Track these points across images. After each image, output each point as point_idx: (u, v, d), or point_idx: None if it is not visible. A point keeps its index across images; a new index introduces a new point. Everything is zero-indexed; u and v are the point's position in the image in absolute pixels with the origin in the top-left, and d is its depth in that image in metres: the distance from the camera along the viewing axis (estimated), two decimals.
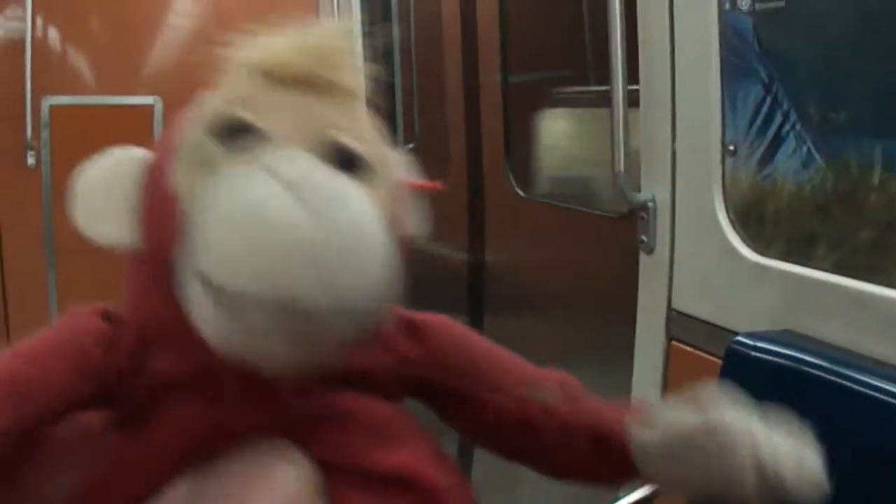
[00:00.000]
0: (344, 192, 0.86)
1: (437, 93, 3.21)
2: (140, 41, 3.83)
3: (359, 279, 0.83)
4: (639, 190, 1.84)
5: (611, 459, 1.04)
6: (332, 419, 0.96)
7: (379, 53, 3.68)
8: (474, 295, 3.03)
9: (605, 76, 1.86)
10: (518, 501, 2.81)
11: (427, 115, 3.50)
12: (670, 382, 1.82)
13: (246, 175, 0.85)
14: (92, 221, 0.97)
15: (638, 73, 1.83)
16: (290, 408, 0.94)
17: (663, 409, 1.03)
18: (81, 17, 3.77)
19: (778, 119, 1.54)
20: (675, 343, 1.80)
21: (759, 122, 1.58)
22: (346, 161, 0.91)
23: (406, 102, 3.68)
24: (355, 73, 0.97)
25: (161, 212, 0.90)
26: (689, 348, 1.76)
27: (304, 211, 0.81)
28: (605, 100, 1.86)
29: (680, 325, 1.77)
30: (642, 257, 1.87)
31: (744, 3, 1.59)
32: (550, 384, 1.08)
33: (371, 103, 1.01)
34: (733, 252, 1.61)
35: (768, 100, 1.56)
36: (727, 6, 1.62)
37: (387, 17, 3.75)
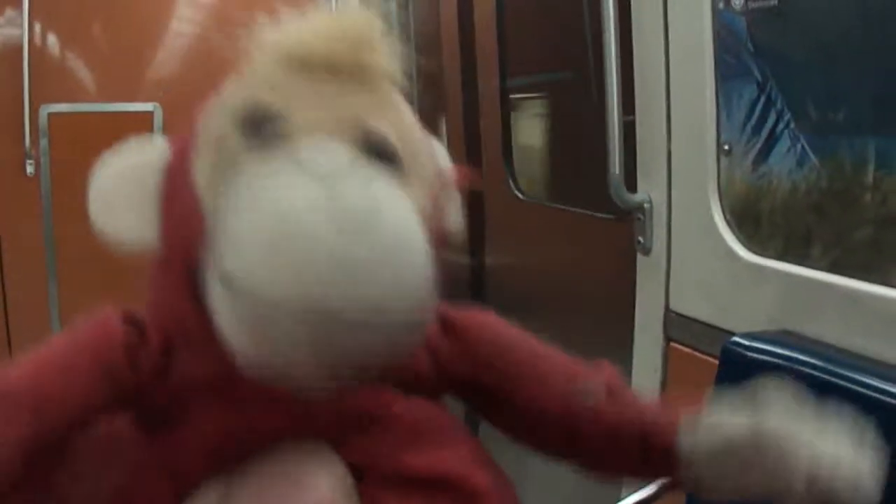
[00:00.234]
0: (381, 194, 0.80)
1: (437, 97, 3.21)
2: (139, 47, 3.81)
3: (399, 291, 0.78)
4: (635, 191, 1.84)
5: (654, 459, 1.01)
6: (365, 421, 0.93)
7: None
8: (475, 296, 3.03)
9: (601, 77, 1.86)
10: (526, 499, 2.81)
11: (426, 118, 3.50)
12: (669, 383, 1.82)
13: (277, 174, 0.80)
14: (110, 218, 0.92)
15: (633, 73, 1.83)
16: (321, 410, 0.90)
17: (714, 411, 1.00)
18: (79, 24, 3.75)
19: (772, 118, 1.54)
20: (673, 344, 1.79)
21: (753, 121, 1.58)
22: (382, 152, 0.87)
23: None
24: (388, 57, 0.91)
25: (183, 210, 0.87)
26: (687, 349, 1.75)
27: (342, 217, 0.76)
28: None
29: (677, 326, 1.77)
30: (639, 258, 1.86)
31: (737, 3, 1.59)
32: (594, 383, 1.04)
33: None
34: (729, 252, 1.61)
35: (762, 99, 1.56)
36: (721, 5, 1.62)
37: (386, 20, 3.75)
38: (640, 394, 1.07)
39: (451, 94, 3.07)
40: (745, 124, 1.59)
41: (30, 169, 3.64)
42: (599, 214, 2.19)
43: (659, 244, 1.80)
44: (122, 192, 0.92)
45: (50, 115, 3.67)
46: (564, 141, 2.59)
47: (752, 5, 1.57)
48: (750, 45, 1.58)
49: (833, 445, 0.94)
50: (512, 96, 2.76)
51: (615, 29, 1.78)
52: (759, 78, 1.56)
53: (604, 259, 2.27)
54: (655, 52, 1.74)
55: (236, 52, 0.91)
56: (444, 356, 0.99)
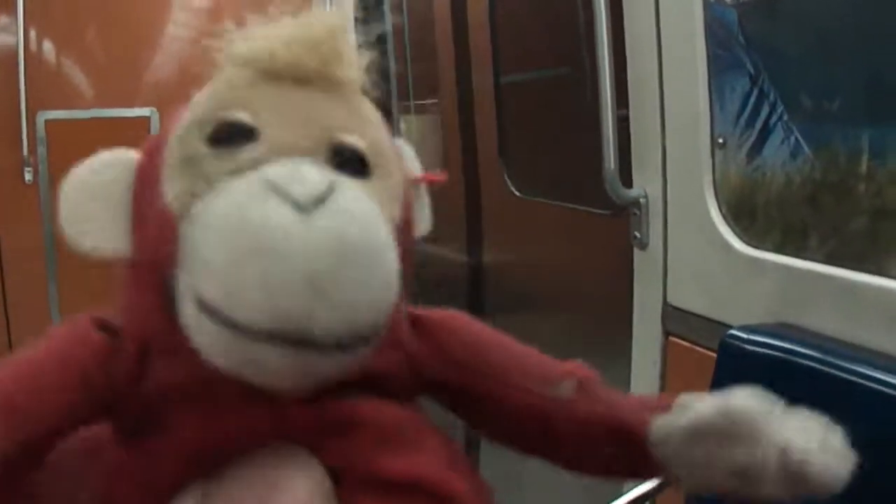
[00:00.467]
0: (355, 213, 0.79)
1: (433, 93, 3.21)
2: (134, 52, 3.80)
3: (374, 304, 0.78)
4: (630, 186, 1.84)
5: (631, 452, 0.98)
6: (341, 424, 0.91)
7: (373, 48, 3.69)
8: (472, 293, 3.03)
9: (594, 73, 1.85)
10: (526, 499, 2.82)
11: (423, 116, 3.50)
12: (668, 377, 1.82)
13: (247, 192, 0.79)
14: (79, 227, 0.91)
15: (626, 68, 1.83)
16: (297, 414, 0.89)
17: (684, 399, 0.99)
18: (74, 30, 3.75)
19: (765, 110, 1.54)
20: (671, 338, 1.79)
21: (746, 114, 1.58)
22: (351, 161, 0.86)
23: (401, 104, 3.68)
24: (353, 64, 0.90)
25: (154, 224, 0.85)
26: (685, 343, 1.75)
27: (315, 235, 0.76)
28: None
29: (676, 320, 1.77)
30: (636, 253, 1.86)
31: None
32: (568, 378, 1.03)
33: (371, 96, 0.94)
34: (726, 245, 1.61)
35: (755, 91, 1.56)
36: None
37: (380, 20, 3.75)
38: (614, 390, 1.06)
39: (446, 91, 3.08)
40: (738, 117, 1.59)
41: (28, 176, 3.64)
42: (595, 210, 2.19)
43: (655, 239, 1.80)
44: (93, 198, 0.92)
45: (47, 122, 3.67)
46: (560, 137, 2.58)
47: None
48: (741, 38, 1.58)
49: (803, 423, 0.94)
50: (507, 93, 2.76)
51: (607, 24, 1.78)
52: (752, 70, 1.56)
53: (601, 254, 2.27)
54: (648, 47, 1.74)
55: (206, 62, 0.91)
56: (417, 357, 0.98)
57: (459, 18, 2.97)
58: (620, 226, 1.93)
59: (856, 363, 1.28)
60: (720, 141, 1.62)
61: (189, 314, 0.79)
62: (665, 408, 0.98)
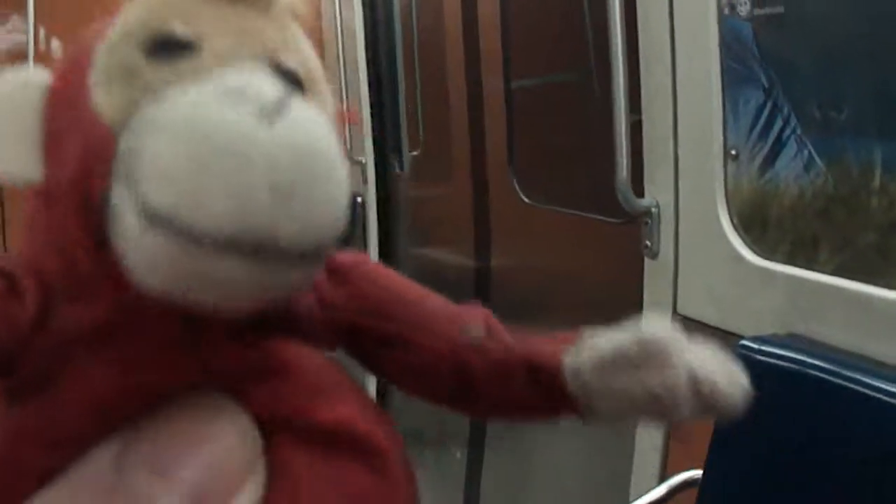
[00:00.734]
0: (313, 119, 0.79)
1: (442, 100, 3.22)
2: None
3: (334, 215, 0.76)
4: (642, 195, 1.85)
5: (547, 390, 0.97)
6: (265, 370, 0.87)
7: (382, 61, 3.73)
8: (481, 299, 3.03)
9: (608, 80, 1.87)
10: (531, 501, 2.82)
11: (431, 122, 3.51)
12: None
13: (203, 96, 0.72)
14: None
15: (639, 77, 1.84)
16: (218, 359, 0.87)
17: (595, 333, 1.00)
18: (84, 28, 3.76)
19: (779, 123, 1.55)
20: None
21: (760, 126, 1.59)
22: (291, 82, 0.86)
23: (410, 110, 3.70)
24: None
25: (78, 139, 0.78)
26: None
27: (279, 142, 0.74)
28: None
29: (685, 329, 1.77)
30: (647, 262, 1.88)
31: (743, 9, 1.60)
32: (475, 321, 1.01)
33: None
34: (737, 256, 1.62)
35: (769, 104, 1.57)
36: (727, 11, 1.63)
37: (390, 26, 3.77)
38: (518, 332, 1.07)
39: (455, 96, 3.09)
40: (751, 129, 1.60)
41: None
42: (605, 218, 2.20)
43: (666, 248, 1.81)
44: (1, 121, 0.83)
45: None
46: (570, 144, 2.60)
47: (758, 12, 1.59)
48: (756, 51, 1.59)
49: (703, 348, 0.97)
50: (517, 98, 2.78)
51: (622, 33, 1.79)
52: (766, 83, 1.58)
53: (610, 262, 2.28)
54: (662, 58, 1.76)
55: None
56: (332, 302, 0.95)
57: (470, 22, 2.98)
58: (630, 234, 1.94)
59: (867, 375, 1.30)
60: (733, 153, 1.64)
61: (129, 229, 0.72)
62: (574, 342, 0.98)
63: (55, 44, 3.77)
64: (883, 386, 1.26)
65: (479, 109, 2.96)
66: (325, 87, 0.89)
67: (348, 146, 3.71)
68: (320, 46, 4.11)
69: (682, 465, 1.82)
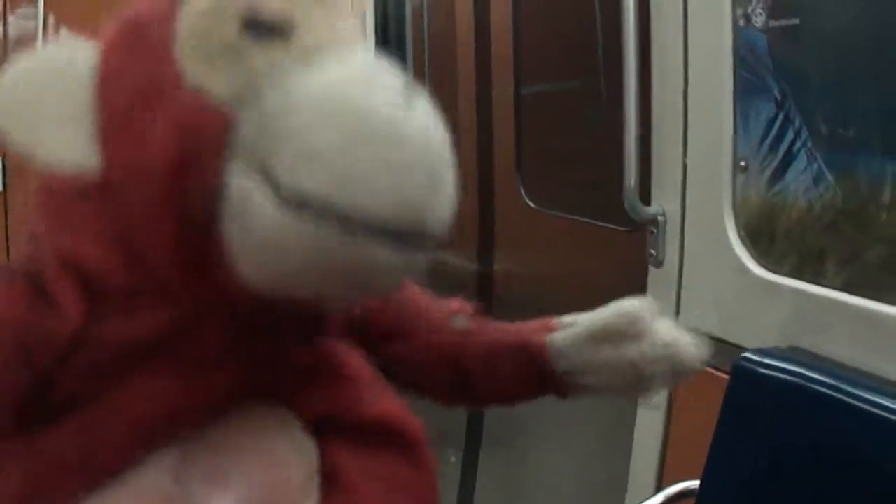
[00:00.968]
0: (429, 102, 0.72)
1: (451, 104, 3.22)
2: None
3: (455, 200, 0.75)
4: (648, 204, 1.85)
5: (534, 370, 0.98)
6: (316, 374, 0.84)
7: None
8: (483, 303, 3.03)
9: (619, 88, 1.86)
10: None
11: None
12: (678, 397, 1.82)
13: (340, 76, 0.70)
14: (34, 135, 0.75)
15: (650, 85, 1.84)
16: (274, 365, 0.81)
17: (571, 316, 1.04)
18: (94, 16, 3.74)
19: (790, 136, 1.55)
20: None
21: (770, 138, 1.58)
22: None
23: None
24: None
25: (170, 117, 0.73)
26: None
27: (422, 123, 0.68)
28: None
29: None
30: (651, 271, 1.87)
31: (758, 20, 1.60)
32: (463, 311, 1.03)
33: None
34: (742, 268, 1.61)
35: (780, 116, 1.57)
36: (742, 23, 1.63)
37: (400, 30, 3.77)
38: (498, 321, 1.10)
39: (465, 101, 3.09)
40: (762, 141, 1.60)
41: None
42: (611, 226, 2.19)
43: (671, 257, 1.81)
44: (45, 100, 0.76)
45: None
46: (577, 151, 2.59)
47: (773, 24, 1.58)
48: (770, 63, 1.59)
49: (666, 321, 1.03)
50: (526, 104, 2.77)
51: (635, 43, 1.79)
52: (778, 96, 1.57)
53: (615, 270, 2.28)
54: (674, 67, 1.75)
55: None
56: None
57: (482, 28, 2.98)
58: (636, 242, 1.93)
59: (869, 392, 1.29)
60: (742, 164, 1.63)
61: (261, 217, 0.68)
62: (553, 326, 1.02)
63: (65, 32, 3.76)
64: (885, 403, 1.26)
65: (487, 114, 2.95)
66: None
67: None
68: None
69: (680, 475, 1.82)
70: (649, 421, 1.89)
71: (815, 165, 1.51)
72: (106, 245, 0.73)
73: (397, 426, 0.89)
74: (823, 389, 1.33)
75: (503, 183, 2.88)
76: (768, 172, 1.60)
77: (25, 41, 3.65)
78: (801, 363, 1.40)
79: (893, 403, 1.25)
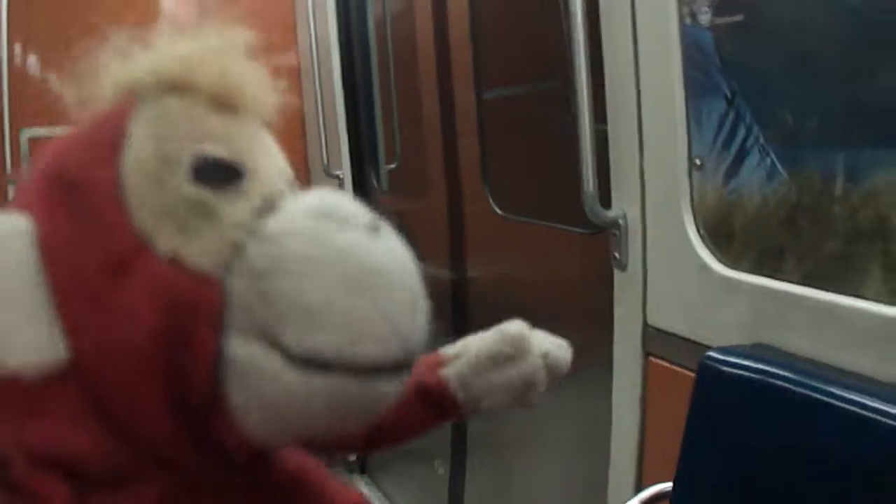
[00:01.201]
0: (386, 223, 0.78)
1: (417, 114, 3.21)
2: None
3: (427, 309, 0.78)
4: (609, 207, 1.84)
5: (438, 405, 1.10)
6: (285, 486, 0.88)
7: (357, 75, 3.72)
8: (457, 311, 3.03)
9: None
10: None
11: (407, 135, 3.50)
12: (649, 398, 1.82)
13: (309, 223, 0.73)
14: None
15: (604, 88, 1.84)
16: (260, 492, 0.84)
17: (461, 345, 1.15)
18: (60, 45, 3.73)
19: (741, 132, 1.55)
20: (651, 358, 1.80)
21: (723, 136, 1.59)
22: None
23: (386, 123, 3.69)
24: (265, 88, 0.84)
25: (149, 291, 0.70)
26: (665, 363, 1.76)
27: (395, 255, 0.74)
28: None
29: (656, 340, 1.78)
30: (616, 274, 1.87)
31: (704, 18, 1.60)
32: None
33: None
34: (704, 267, 1.61)
35: (731, 113, 1.57)
36: (688, 21, 1.63)
37: (364, 40, 3.76)
38: None
39: (429, 110, 3.08)
40: (715, 139, 1.60)
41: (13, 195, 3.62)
42: (576, 229, 2.19)
43: (635, 259, 1.81)
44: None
45: (30, 139, 3.65)
46: (541, 156, 2.59)
47: (718, 20, 1.59)
48: (717, 60, 1.59)
49: (540, 332, 1.20)
50: (489, 112, 2.77)
51: (585, 48, 1.79)
52: (728, 93, 1.57)
53: (583, 273, 2.27)
54: (625, 69, 1.75)
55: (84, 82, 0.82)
56: None
57: (441, 36, 2.98)
58: (602, 245, 1.93)
59: (831, 385, 1.29)
60: (697, 163, 1.63)
61: (271, 380, 0.69)
62: (440, 361, 1.12)
63: (31, 60, 3.73)
64: (847, 395, 1.26)
65: (451, 123, 2.95)
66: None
67: (325, 161, 3.69)
68: (296, 61, 4.11)
69: (658, 475, 1.82)
70: (625, 423, 1.89)
71: (768, 161, 1.51)
72: (89, 428, 0.71)
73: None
74: (786, 385, 1.33)
75: (470, 192, 2.87)
76: (723, 169, 1.60)
77: None
78: (764, 360, 1.40)
79: (854, 395, 1.25)
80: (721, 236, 1.62)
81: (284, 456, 0.88)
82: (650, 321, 1.79)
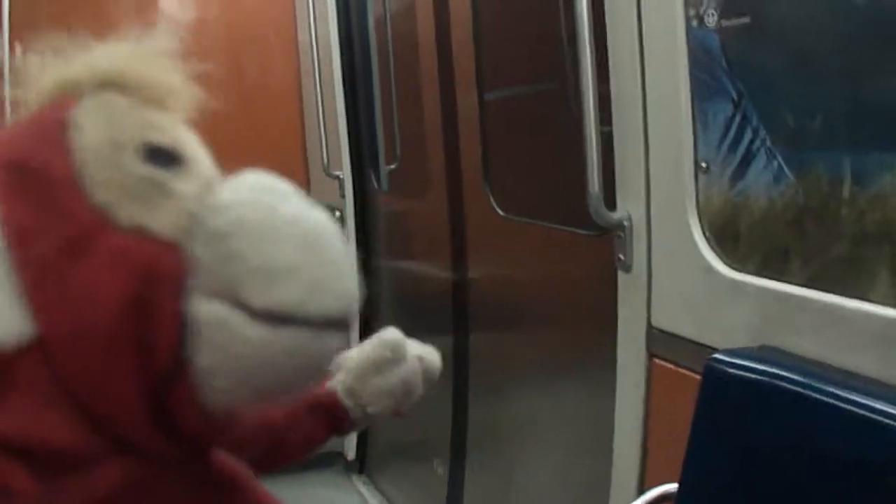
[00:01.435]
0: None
1: (417, 114, 3.22)
2: None
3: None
4: (614, 208, 1.85)
5: (329, 415, 1.16)
6: (223, 483, 0.91)
7: (358, 75, 3.72)
8: (458, 312, 3.04)
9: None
10: None
11: (407, 135, 3.51)
12: (653, 399, 1.83)
13: (256, 194, 0.79)
14: None
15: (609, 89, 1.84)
16: (202, 479, 0.87)
17: (346, 354, 1.19)
18: (62, 45, 3.71)
19: (748, 135, 1.55)
20: (655, 360, 1.80)
21: (729, 138, 1.59)
22: None
23: (387, 123, 3.69)
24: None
25: (112, 262, 0.73)
26: (670, 365, 1.76)
27: (328, 221, 0.80)
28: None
29: (660, 342, 1.78)
30: (620, 275, 1.87)
31: (710, 20, 1.60)
32: None
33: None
34: (709, 269, 1.62)
35: (738, 116, 1.57)
36: (695, 23, 1.63)
37: (364, 40, 3.76)
38: None
39: (430, 110, 3.08)
40: (721, 142, 1.60)
41: None
42: (580, 231, 2.19)
43: (639, 261, 1.81)
44: None
45: None
46: (544, 156, 2.60)
47: (725, 23, 1.59)
48: (724, 63, 1.59)
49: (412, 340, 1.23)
50: (491, 112, 2.77)
51: (591, 48, 1.79)
52: (734, 95, 1.57)
53: (586, 274, 2.28)
54: (631, 71, 1.76)
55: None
56: None
57: (443, 37, 2.98)
58: (606, 246, 1.94)
59: (837, 387, 1.30)
60: (703, 165, 1.64)
61: (239, 338, 0.73)
62: (329, 375, 1.17)
63: (32, 59, 3.72)
64: (853, 397, 1.26)
65: (453, 123, 2.96)
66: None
67: (325, 161, 3.69)
68: (296, 61, 4.11)
69: (661, 477, 1.82)
70: (628, 425, 1.89)
71: (775, 164, 1.51)
72: (57, 412, 0.72)
73: None
74: (793, 387, 1.34)
75: (472, 193, 2.88)
76: (729, 172, 1.60)
77: None
78: (770, 362, 1.41)
79: (860, 398, 1.25)
80: (727, 238, 1.63)
81: (221, 458, 0.91)
82: (654, 323, 1.79)
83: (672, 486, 1.54)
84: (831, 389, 1.29)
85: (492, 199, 2.72)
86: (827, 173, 1.45)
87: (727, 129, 1.59)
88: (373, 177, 3.74)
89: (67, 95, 0.85)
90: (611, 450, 1.97)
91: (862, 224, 1.39)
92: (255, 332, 0.74)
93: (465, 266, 2.99)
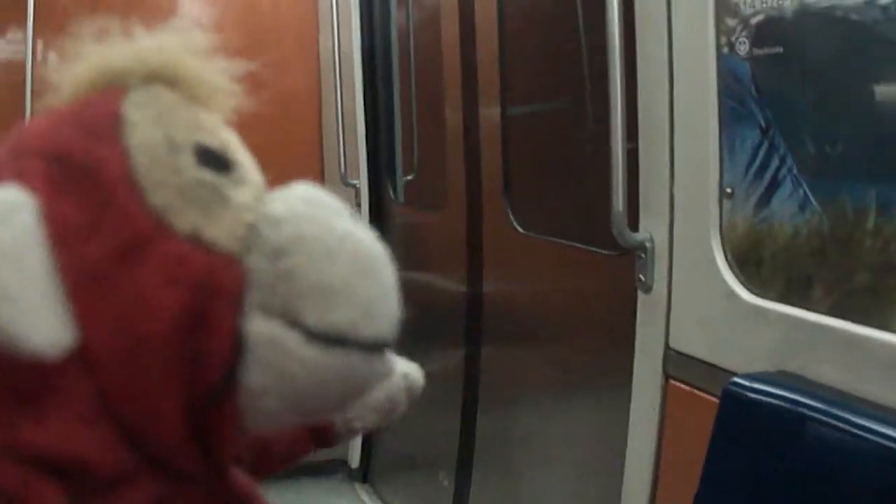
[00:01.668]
0: None
1: (437, 126, 3.23)
2: None
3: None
4: (636, 228, 1.86)
5: (315, 430, 1.13)
6: (243, 499, 0.90)
7: (379, 85, 3.73)
8: (471, 326, 3.04)
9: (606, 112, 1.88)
10: None
11: (425, 147, 3.52)
12: (667, 421, 1.83)
13: (315, 214, 0.76)
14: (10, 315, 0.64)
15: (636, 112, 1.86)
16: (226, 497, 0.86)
17: None
18: (84, 42, 3.72)
19: (775, 163, 1.57)
20: (672, 382, 1.81)
21: (756, 165, 1.60)
22: None
23: (405, 134, 3.70)
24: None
25: (165, 272, 0.69)
26: (686, 387, 1.77)
27: (382, 248, 0.78)
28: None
29: (677, 364, 1.79)
30: (640, 296, 1.88)
31: (742, 49, 1.62)
32: None
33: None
34: (731, 293, 1.63)
35: (765, 144, 1.58)
36: (726, 51, 1.65)
37: (387, 50, 3.78)
38: None
39: (451, 123, 3.10)
40: (747, 168, 1.62)
41: None
42: (600, 250, 2.21)
43: (660, 283, 1.82)
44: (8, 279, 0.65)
45: None
46: (566, 174, 2.61)
47: (756, 52, 1.60)
48: (754, 91, 1.61)
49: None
50: (513, 128, 2.79)
51: (621, 71, 1.81)
52: (763, 123, 1.59)
53: (604, 294, 2.29)
54: (660, 95, 1.77)
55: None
56: None
57: (468, 51, 2.99)
58: (624, 266, 1.95)
59: (857, 416, 1.31)
60: (728, 191, 1.65)
61: (294, 358, 0.71)
62: None
63: (54, 58, 3.75)
64: (873, 426, 1.27)
65: (474, 136, 2.96)
66: None
67: (342, 169, 3.71)
68: (316, 67, 4.12)
69: (672, 498, 1.83)
70: (641, 445, 1.90)
71: (801, 192, 1.53)
72: (93, 430, 0.68)
73: None
74: (812, 413, 1.35)
75: (490, 207, 2.88)
76: (754, 199, 1.61)
77: (13, 67, 3.63)
78: (790, 388, 1.42)
79: (880, 427, 1.26)
80: (749, 264, 1.64)
81: (235, 473, 0.89)
82: (672, 344, 1.80)
83: None
84: (853, 418, 1.30)
85: (511, 215, 2.73)
86: (852, 203, 1.46)
87: (754, 155, 1.60)
88: (389, 187, 3.76)
89: (113, 86, 0.78)
90: (622, 470, 1.98)
91: (886, 255, 1.41)
92: (310, 353, 0.72)
93: (481, 281, 2.99)
